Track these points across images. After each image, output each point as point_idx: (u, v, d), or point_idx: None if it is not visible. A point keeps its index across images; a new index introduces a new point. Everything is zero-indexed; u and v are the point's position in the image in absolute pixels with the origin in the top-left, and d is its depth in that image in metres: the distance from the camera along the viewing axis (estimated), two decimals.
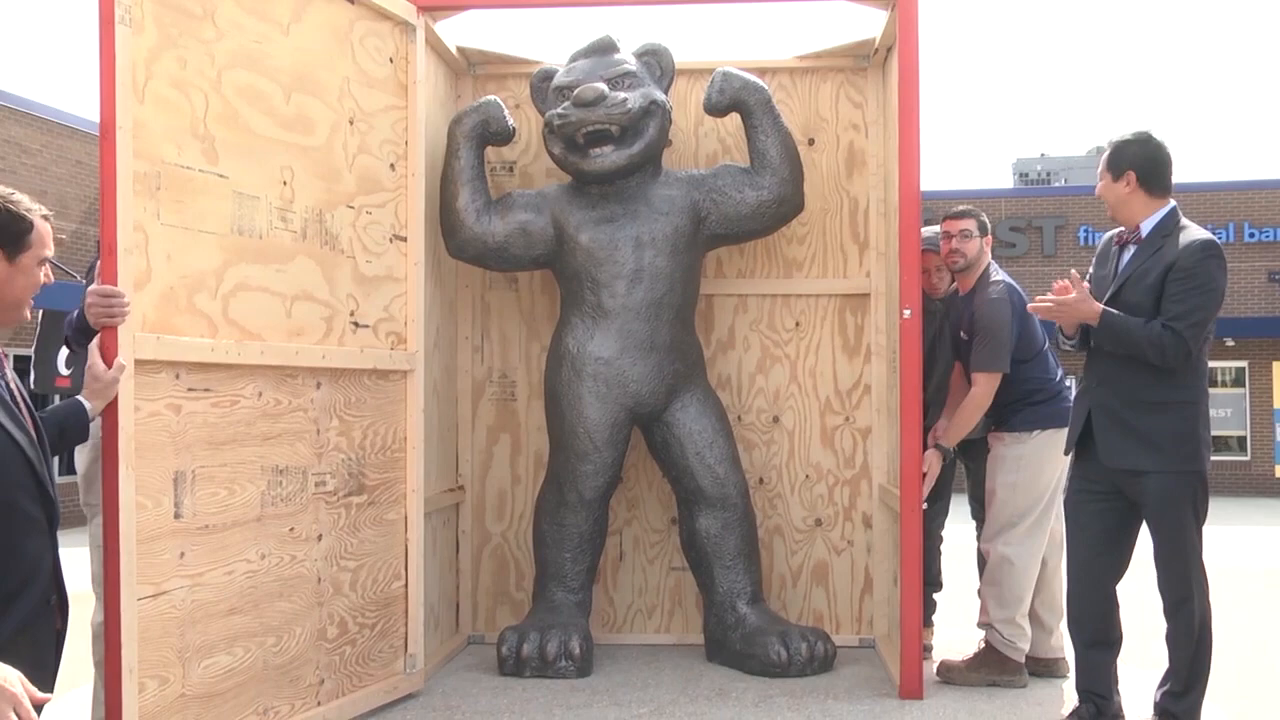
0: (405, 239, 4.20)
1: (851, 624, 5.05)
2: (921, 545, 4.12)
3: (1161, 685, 3.53)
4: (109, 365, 3.03)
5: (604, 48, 4.68)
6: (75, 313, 3.29)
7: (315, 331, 3.76)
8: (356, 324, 3.94)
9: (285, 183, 3.63)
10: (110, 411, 3.02)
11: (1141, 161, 3.57)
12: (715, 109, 4.60)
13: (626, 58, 4.66)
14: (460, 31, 4.95)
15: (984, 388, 4.24)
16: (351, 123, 3.94)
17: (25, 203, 2.49)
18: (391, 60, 4.15)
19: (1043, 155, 74.61)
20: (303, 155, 3.72)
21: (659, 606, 5.14)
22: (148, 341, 3.14)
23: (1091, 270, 3.79)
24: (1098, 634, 3.62)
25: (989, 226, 4.58)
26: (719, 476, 4.64)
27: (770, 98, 4.58)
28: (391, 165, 4.14)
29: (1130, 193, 3.58)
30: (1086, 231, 18.56)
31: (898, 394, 4.59)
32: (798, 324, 5.12)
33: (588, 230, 4.56)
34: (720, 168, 4.72)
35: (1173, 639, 3.48)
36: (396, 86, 4.17)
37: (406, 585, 4.22)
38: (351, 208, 3.93)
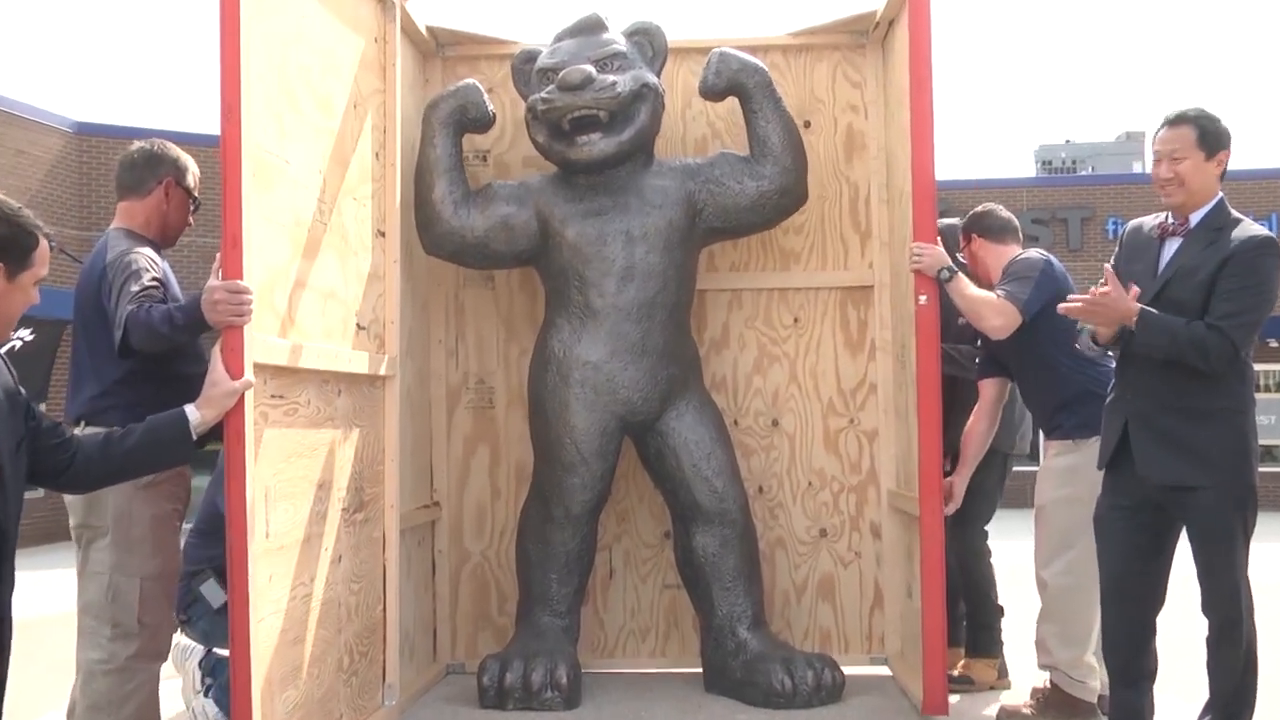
0: (384, 234, 4.30)
1: (861, 642, 5.19)
2: (942, 549, 4.22)
3: (1203, 717, 3.56)
4: (234, 372, 3.16)
5: (591, 27, 4.84)
6: (171, 307, 3.40)
7: (338, 333, 3.95)
8: (359, 325, 4.08)
9: (320, 171, 3.81)
10: (232, 423, 3.18)
11: (1229, 142, 3.59)
12: (711, 92, 4.75)
13: (615, 38, 4.82)
14: (428, 10, 5.04)
15: (996, 319, 4.22)
16: (355, 107, 4.11)
17: (32, 219, 2.57)
18: (376, 40, 4.25)
19: (1068, 141, 75.06)
20: (328, 139, 3.91)
21: (653, 628, 5.24)
22: (273, 346, 3.36)
23: (1115, 265, 3.84)
24: (1133, 665, 3.66)
25: (973, 228, 4.70)
26: (717, 490, 4.74)
27: (770, 80, 4.76)
28: (376, 154, 4.25)
29: (1216, 176, 3.61)
30: (1115, 223, 18.51)
31: (907, 392, 4.73)
32: (796, 320, 5.27)
33: (574, 224, 4.68)
34: (717, 156, 4.88)
35: (1218, 666, 3.49)
36: (379, 69, 4.28)
37: (385, 609, 4.28)
38: (355, 199, 4.11)
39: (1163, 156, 3.66)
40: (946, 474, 4.59)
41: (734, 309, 5.28)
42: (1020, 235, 4.69)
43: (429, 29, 5.10)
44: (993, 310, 4.25)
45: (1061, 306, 3.69)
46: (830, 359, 5.26)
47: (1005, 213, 4.68)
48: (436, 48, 5.25)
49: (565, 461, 4.70)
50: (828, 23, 5.25)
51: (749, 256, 5.26)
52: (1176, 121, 3.66)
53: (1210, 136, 3.60)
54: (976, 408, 4.64)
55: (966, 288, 4.28)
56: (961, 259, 4.75)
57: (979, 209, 4.73)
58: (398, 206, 4.40)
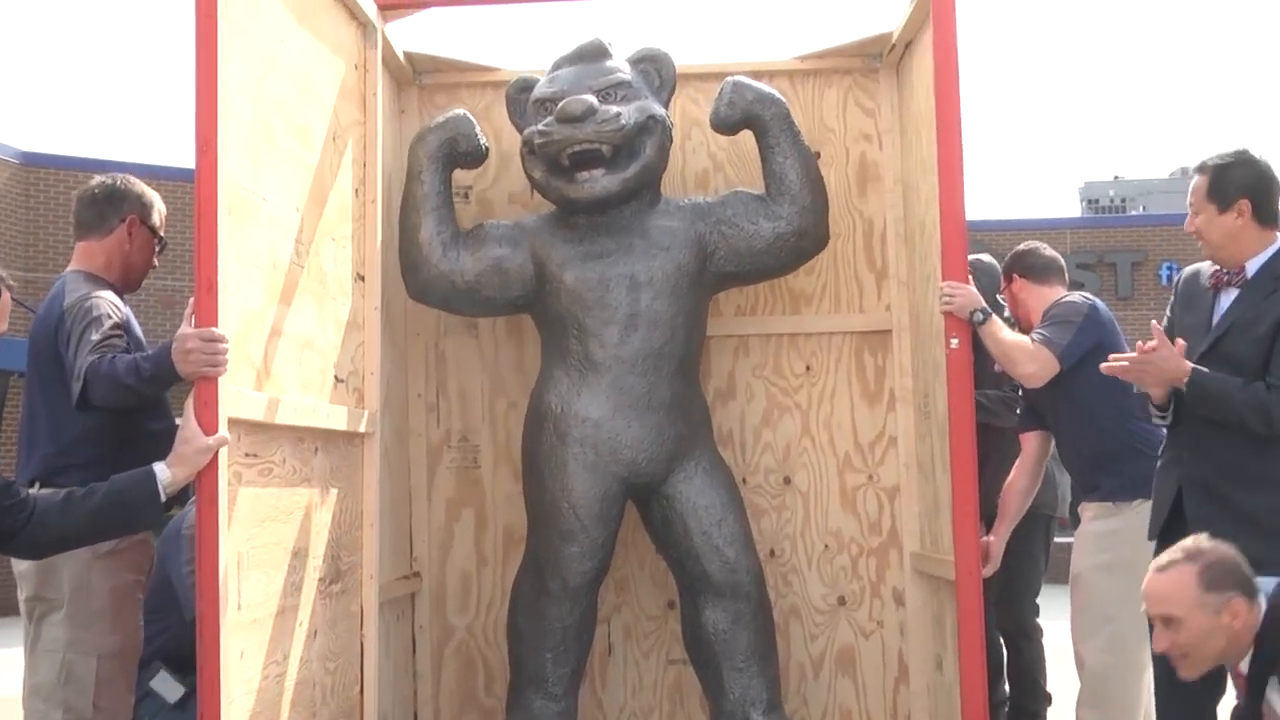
0: (364, 278, 4.34)
1: None
2: (981, 614, 4.25)
3: None
4: (207, 427, 3.18)
5: (593, 53, 4.89)
6: (137, 357, 3.38)
7: (314, 385, 3.98)
8: (337, 378, 4.11)
9: (297, 208, 3.84)
10: (205, 483, 3.20)
11: (1253, 187, 3.61)
12: (724, 125, 4.80)
13: (619, 65, 4.87)
14: (405, 35, 5.09)
15: (1029, 365, 4.27)
16: (334, 139, 4.15)
17: None
18: (356, 67, 4.31)
19: (1116, 178, 74.82)
20: (306, 174, 3.95)
21: (657, 708, 5.25)
22: (248, 399, 3.37)
23: (1170, 315, 3.89)
24: None
25: (1016, 268, 4.76)
26: (729, 561, 4.76)
27: (788, 112, 4.82)
28: (356, 191, 4.30)
29: (1242, 226, 3.63)
30: (1170, 269, 18.29)
31: (931, 444, 4.77)
32: (808, 368, 5.33)
33: (574, 268, 4.72)
34: (730, 195, 4.93)
35: None
36: (359, 98, 4.34)
37: (362, 690, 4.27)
38: (334, 240, 4.14)
39: (1189, 209, 3.76)
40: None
41: (741, 356, 5.32)
42: (1065, 276, 4.75)
43: (406, 55, 5.16)
44: (1026, 356, 4.30)
45: (1104, 366, 3.73)
46: (846, 410, 5.30)
47: (1050, 251, 4.74)
48: (414, 75, 5.32)
49: (562, 528, 4.69)
50: (838, 46, 5.34)
51: (756, 299, 5.31)
52: (1197, 170, 3.76)
53: (1220, 187, 3.64)
54: (1018, 462, 4.68)
55: (1000, 331, 4.33)
56: (1001, 299, 4.81)
57: (1021, 247, 4.78)
58: (378, 248, 4.44)
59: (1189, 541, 3.24)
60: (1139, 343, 3.69)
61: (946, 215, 4.39)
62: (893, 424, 5.27)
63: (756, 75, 5.17)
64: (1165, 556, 3.23)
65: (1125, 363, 3.61)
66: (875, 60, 5.32)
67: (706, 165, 5.33)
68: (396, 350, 5.11)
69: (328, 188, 4.07)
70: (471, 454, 5.32)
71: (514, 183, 5.31)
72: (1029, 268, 4.72)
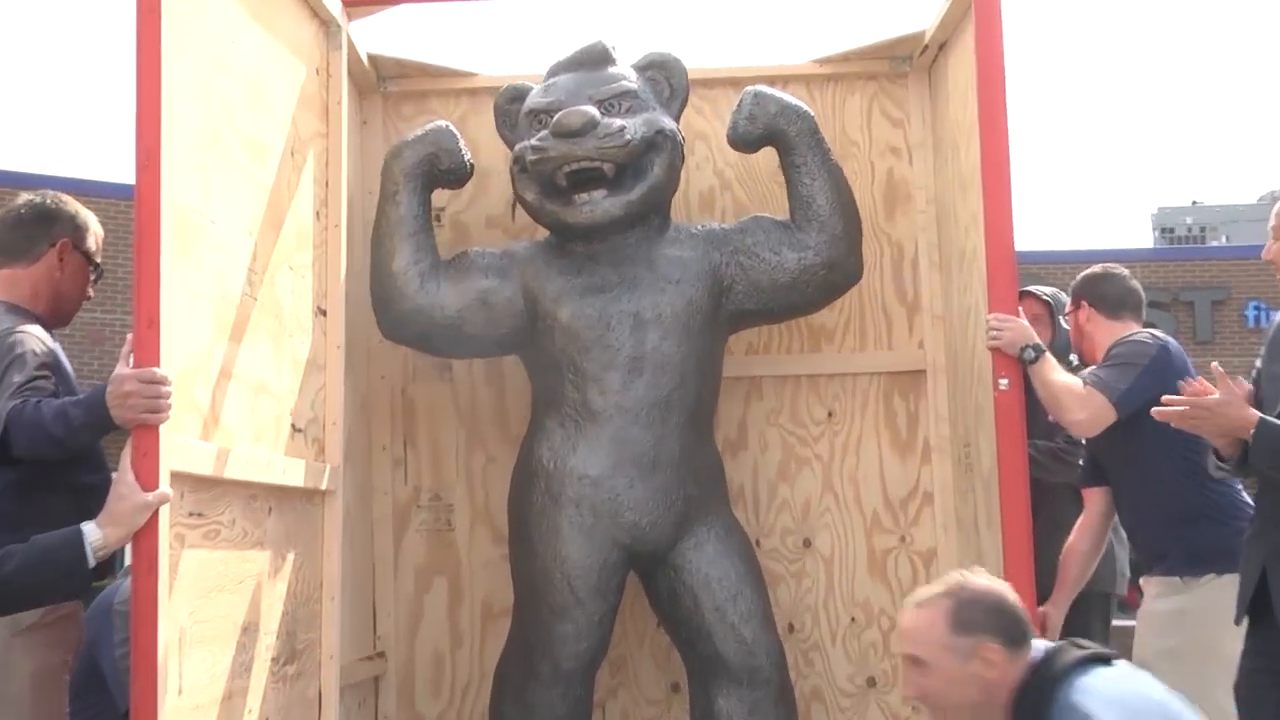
0: (325, 313, 4.36)
1: None
2: None
3: None
4: (146, 482, 3.16)
5: (595, 59, 4.89)
6: (66, 402, 3.36)
7: (269, 435, 3.95)
8: (294, 427, 4.11)
9: (250, 232, 3.83)
10: (142, 546, 3.17)
11: None
12: (743, 141, 4.80)
13: (624, 72, 4.88)
14: (368, 35, 5.13)
15: (1078, 412, 4.26)
16: (292, 153, 4.15)
17: None
18: (318, 72, 4.33)
19: (1195, 204, 73.88)
20: (260, 194, 3.94)
21: None
22: (193, 451, 3.35)
23: (1260, 365, 3.87)
24: None
25: (1086, 293, 4.74)
26: (746, 641, 4.73)
27: (816, 126, 4.81)
28: (317, 214, 4.32)
29: None
30: (1258, 309, 18.02)
31: (974, 501, 4.76)
32: (830, 414, 5.33)
33: (570, 303, 4.70)
34: (749, 221, 4.93)
35: None
36: (320, 107, 4.35)
37: None
38: (291, 269, 4.13)
39: (1270, 234, 3.76)
40: None
41: (753, 401, 5.31)
42: (1142, 312, 4.72)
43: (370, 58, 5.17)
44: (1076, 401, 4.28)
45: (1156, 411, 3.71)
46: (874, 462, 5.29)
47: (1130, 281, 4.72)
48: (378, 81, 5.33)
49: (555, 603, 4.64)
50: (861, 47, 5.36)
51: (770, 336, 5.32)
52: None
53: None
54: (1080, 522, 4.66)
55: (1051, 371, 4.32)
56: (1065, 323, 4.81)
57: (1097, 269, 4.74)
58: (342, 279, 4.42)
59: (956, 575, 3.21)
60: (1186, 381, 3.69)
61: (992, 239, 4.39)
62: (928, 478, 5.26)
63: (768, 81, 5.17)
64: (926, 590, 3.22)
65: (1178, 407, 3.60)
66: (904, 64, 5.34)
67: (712, 184, 5.34)
68: (358, 396, 5.09)
69: (285, 209, 4.06)
70: (444, 515, 5.29)
71: (492, 204, 5.32)
72: (1102, 297, 4.69)
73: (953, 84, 4.92)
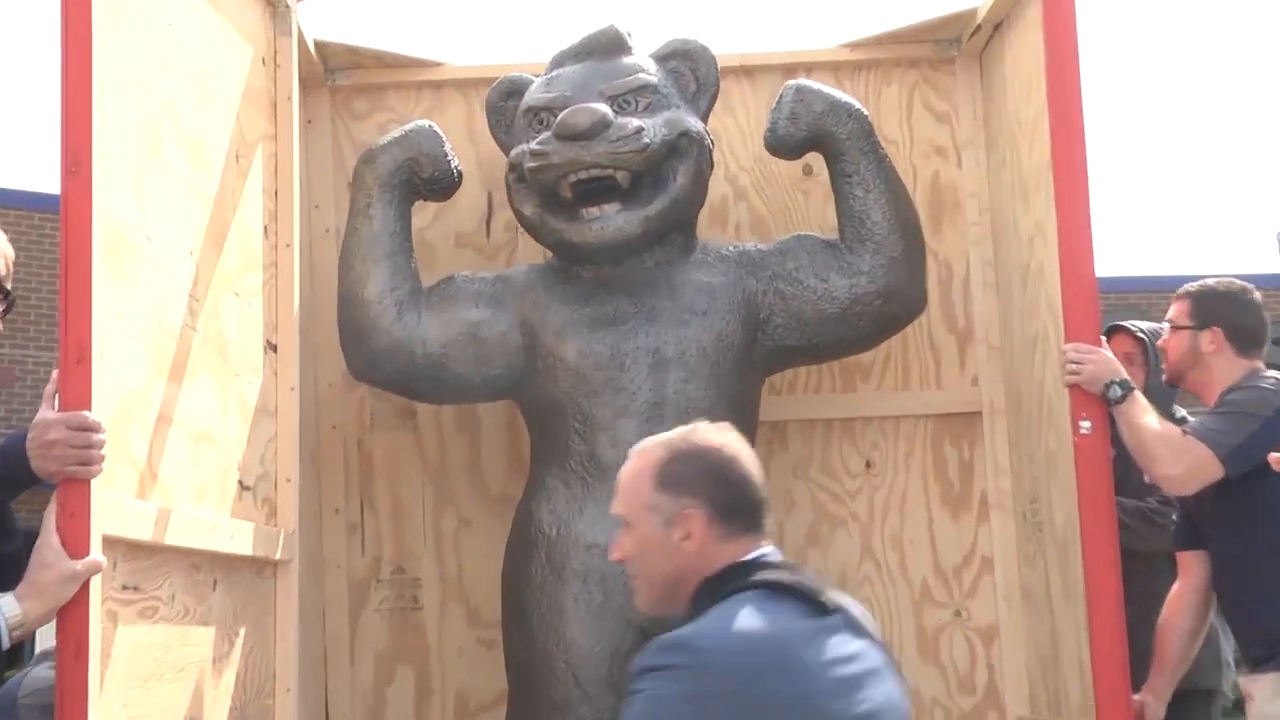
0: (277, 348, 4.34)
1: None
2: None
3: None
4: (74, 548, 3.11)
5: (606, 47, 4.88)
6: None
7: (213, 493, 3.90)
8: (242, 483, 4.07)
9: (191, 251, 3.79)
10: (68, 625, 3.10)
11: None
12: (784, 145, 4.79)
13: (642, 62, 4.86)
14: (313, 18, 5.11)
15: (1172, 466, 4.24)
16: (237, 159, 4.12)
17: None
18: (264, 62, 4.33)
19: None
20: (202, 206, 3.90)
21: None
22: (129, 511, 3.32)
23: None
24: None
25: (1221, 317, 4.55)
26: None
27: (871, 127, 4.79)
28: (265, 229, 4.31)
29: None
30: None
31: (1044, 567, 4.75)
32: (869, 465, 5.33)
33: (577, 337, 4.69)
34: (791, 241, 4.91)
35: None
36: (268, 104, 4.33)
37: None
38: (238, 295, 4.10)
39: None
40: None
41: (776, 450, 5.28)
42: (1263, 349, 4.65)
43: (317, 44, 5.15)
44: (1171, 452, 4.24)
45: (1274, 456, 3.71)
46: (921, 521, 5.28)
47: (1265, 312, 4.60)
48: (325, 72, 5.30)
49: (556, 697, 4.58)
50: (899, 29, 5.38)
51: (795, 372, 5.28)
52: None
53: None
54: (1175, 593, 4.61)
55: (1142, 414, 4.28)
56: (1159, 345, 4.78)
57: (1235, 288, 4.47)
58: (295, 308, 4.39)
59: (693, 424, 3.12)
60: None
61: (1068, 255, 4.37)
62: (986, 540, 5.24)
63: (789, 70, 5.20)
64: (652, 439, 3.11)
65: None
66: (951, 48, 5.35)
67: (724, 192, 5.32)
68: (305, 449, 5.02)
69: (227, 224, 4.03)
70: (410, 591, 5.25)
71: (462, 219, 5.31)
72: (1241, 328, 4.50)
73: (1011, 70, 4.93)
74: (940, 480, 5.29)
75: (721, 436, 2.98)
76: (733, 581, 2.81)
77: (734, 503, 2.91)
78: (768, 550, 2.90)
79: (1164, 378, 4.72)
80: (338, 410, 5.25)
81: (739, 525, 2.89)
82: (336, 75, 5.34)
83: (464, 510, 5.23)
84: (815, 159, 5.06)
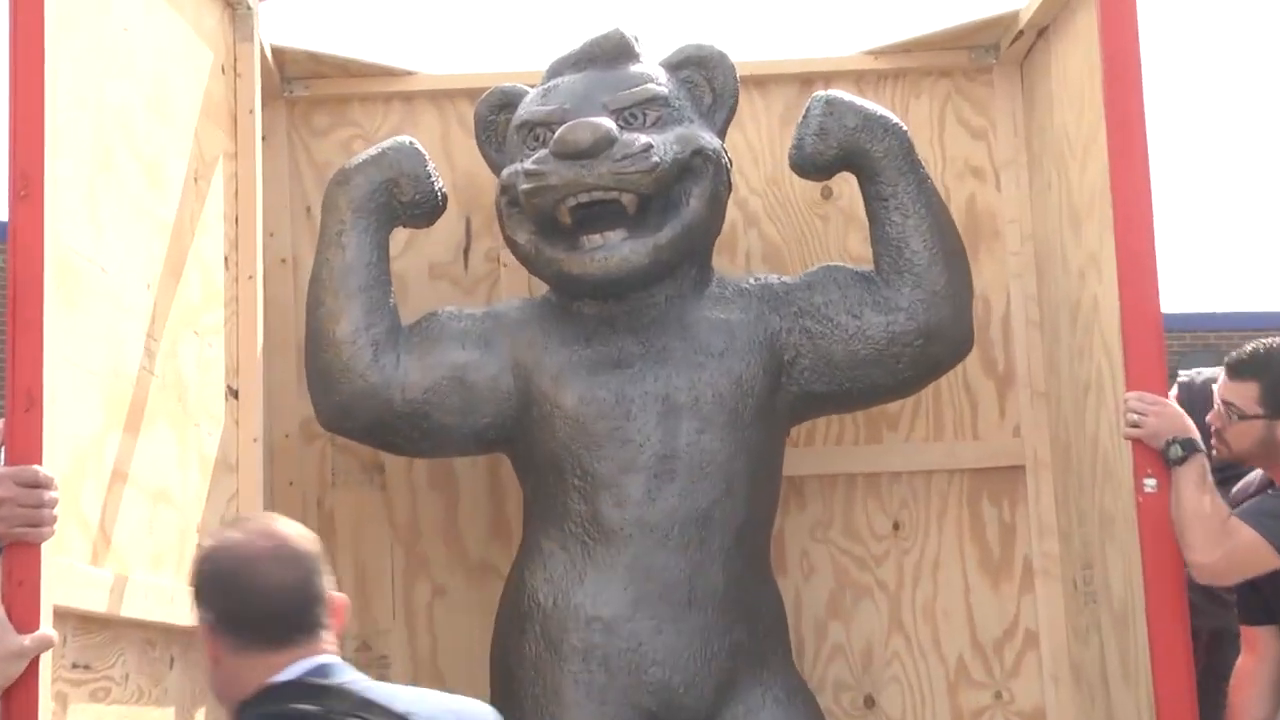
0: (238, 394, 4.34)
1: None
2: None
3: None
4: (23, 621, 3.12)
5: (611, 53, 4.89)
6: None
7: (170, 559, 3.91)
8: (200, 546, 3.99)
9: (148, 284, 3.80)
10: (14, 709, 3.11)
11: None
12: (811, 165, 4.78)
13: (650, 70, 4.88)
14: (269, 23, 5.12)
15: (1206, 553, 4.26)
16: (196, 180, 4.13)
17: None
18: (224, 70, 4.34)
19: None
20: (160, 232, 3.92)
21: None
22: (83, 580, 3.34)
23: None
24: None
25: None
26: None
27: (910, 145, 4.79)
28: (226, 259, 4.31)
29: None
30: None
31: (1099, 642, 4.78)
32: (897, 526, 5.37)
33: (576, 382, 4.70)
34: (820, 273, 4.92)
35: None
36: (228, 118, 4.34)
37: None
38: (197, 334, 4.12)
39: None
40: None
41: (792, 510, 5.31)
42: None
43: (274, 50, 5.17)
44: (1207, 537, 4.24)
45: None
46: (957, 590, 5.31)
47: None
48: (281, 82, 5.33)
49: None
50: (930, 34, 5.42)
51: (814, 421, 5.29)
52: None
53: None
54: (1243, 669, 4.64)
55: (1192, 484, 4.26)
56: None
57: None
58: (258, 349, 4.41)
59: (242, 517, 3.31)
60: None
61: (1129, 290, 4.39)
62: (1030, 611, 5.26)
63: (807, 79, 5.24)
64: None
65: None
66: (988, 54, 5.40)
67: (732, 217, 5.29)
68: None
69: (187, 253, 4.05)
70: (376, 671, 5.16)
71: (437, 248, 5.36)
72: None
73: (1059, 82, 4.98)
74: (978, 543, 5.31)
75: (251, 531, 2.97)
76: (265, 707, 2.81)
77: (241, 615, 2.86)
78: (316, 664, 2.85)
79: (1212, 452, 4.55)
80: (294, 464, 5.25)
81: (256, 640, 2.84)
82: (294, 85, 5.37)
83: (438, 577, 5.24)
84: (836, 181, 5.13)
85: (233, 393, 4.33)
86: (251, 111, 4.49)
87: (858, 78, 5.42)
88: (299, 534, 2.94)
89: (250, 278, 4.44)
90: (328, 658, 2.85)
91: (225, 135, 4.39)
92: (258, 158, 4.52)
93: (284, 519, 3.03)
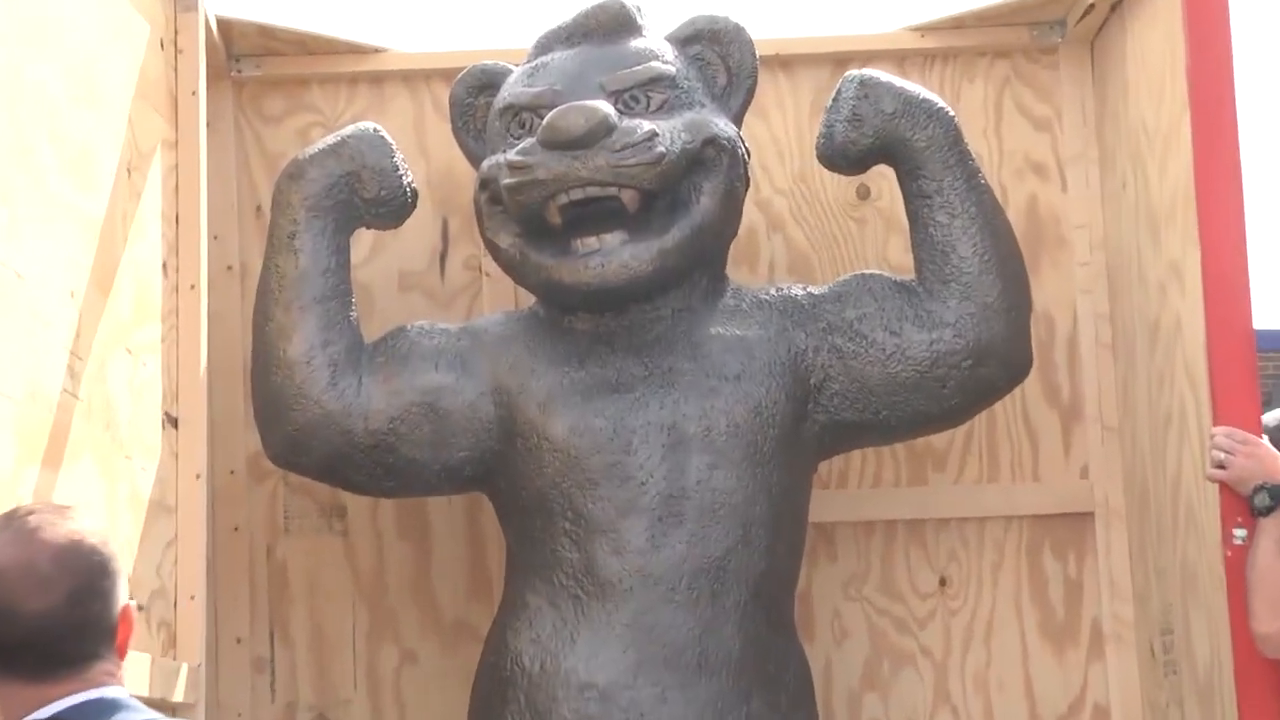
0: (177, 423, 4.33)
1: None
2: None
3: None
4: None
5: (610, 25, 4.91)
6: None
7: None
8: (133, 603, 3.99)
9: (72, 293, 3.80)
10: None
11: None
12: (844, 157, 4.78)
13: (655, 46, 4.90)
14: None
15: (1269, 622, 4.27)
16: (130, 172, 4.14)
17: None
18: (163, 45, 4.36)
19: None
20: (87, 232, 3.92)
21: None
22: None
23: None
24: None
25: None
26: None
27: (959, 133, 4.79)
28: (164, 265, 4.33)
29: None
30: None
31: (1180, 715, 4.79)
32: (944, 582, 5.40)
33: (568, 409, 4.71)
34: (852, 282, 4.91)
35: None
36: (167, 100, 4.35)
37: None
38: (130, 352, 4.12)
39: None
40: None
41: (821, 562, 5.35)
42: None
43: (219, 22, 5.18)
44: (1270, 606, 4.28)
45: None
46: (1014, 657, 5.33)
47: None
48: (228, 59, 5.35)
49: None
50: (985, 7, 5.44)
51: (848, 457, 5.33)
52: None
53: None
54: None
55: (1274, 540, 4.27)
56: None
57: None
58: (201, 369, 4.44)
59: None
60: None
61: (1217, 309, 4.42)
62: (1100, 682, 5.29)
63: (842, 60, 5.26)
64: None
65: None
66: (1053, 32, 5.43)
67: (754, 221, 5.36)
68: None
69: (119, 258, 4.06)
70: None
71: (409, 254, 5.40)
72: None
73: (1136, 65, 5.00)
74: (1039, 603, 5.33)
75: (3, 538, 2.82)
76: None
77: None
78: (83, 701, 2.77)
79: None
80: (241, 507, 5.26)
81: (9, 672, 2.76)
82: (243, 63, 5.40)
83: (407, 641, 5.27)
84: (874, 177, 5.16)
85: (171, 421, 4.35)
86: (195, 93, 4.50)
87: (900, 58, 5.45)
88: (67, 538, 2.78)
89: (192, 287, 4.45)
90: (101, 692, 2.76)
91: (164, 121, 4.40)
92: (202, 147, 4.54)
93: (56, 512, 2.85)
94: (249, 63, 5.40)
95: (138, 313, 4.19)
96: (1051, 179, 5.45)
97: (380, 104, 5.41)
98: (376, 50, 5.44)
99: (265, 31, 5.35)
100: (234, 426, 5.09)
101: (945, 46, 5.48)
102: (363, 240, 5.26)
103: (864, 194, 5.36)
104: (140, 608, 4.12)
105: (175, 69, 4.49)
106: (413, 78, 5.45)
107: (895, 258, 5.18)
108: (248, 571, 5.29)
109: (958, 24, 5.47)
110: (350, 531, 5.35)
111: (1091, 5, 5.20)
